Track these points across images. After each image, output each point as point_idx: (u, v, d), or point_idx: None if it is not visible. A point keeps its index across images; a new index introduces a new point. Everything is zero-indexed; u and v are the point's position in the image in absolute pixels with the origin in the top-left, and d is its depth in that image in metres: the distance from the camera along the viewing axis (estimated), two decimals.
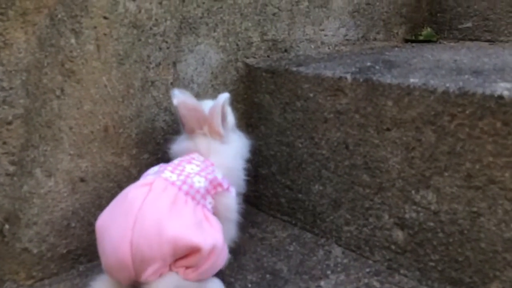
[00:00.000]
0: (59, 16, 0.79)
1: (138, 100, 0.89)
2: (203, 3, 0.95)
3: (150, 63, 0.90)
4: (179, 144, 0.82)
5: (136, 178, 0.91)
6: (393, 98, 0.76)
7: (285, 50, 1.11)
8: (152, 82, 0.90)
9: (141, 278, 0.64)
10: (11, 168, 0.78)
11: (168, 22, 0.91)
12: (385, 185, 0.79)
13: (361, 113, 0.81)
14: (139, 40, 0.87)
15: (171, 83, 0.93)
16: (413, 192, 0.76)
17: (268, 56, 1.08)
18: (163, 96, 0.92)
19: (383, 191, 0.80)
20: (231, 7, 0.99)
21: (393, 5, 1.31)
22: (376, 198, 0.81)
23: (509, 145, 0.64)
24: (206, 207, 0.72)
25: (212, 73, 0.99)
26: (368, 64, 0.92)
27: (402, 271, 0.79)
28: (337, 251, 0.87)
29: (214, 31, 0.98)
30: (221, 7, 0.98)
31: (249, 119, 1.04)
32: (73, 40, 0.81)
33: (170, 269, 0.66)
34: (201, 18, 0.95)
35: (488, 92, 0.65)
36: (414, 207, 0.76)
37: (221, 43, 0.99)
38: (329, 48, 1.18)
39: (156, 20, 0.89)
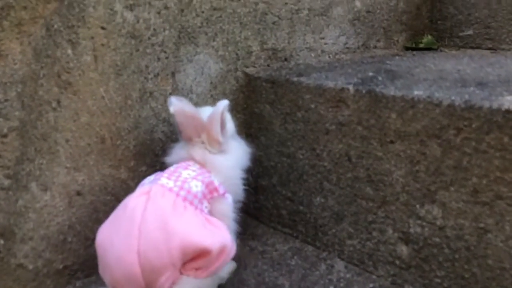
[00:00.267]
0: (55, 26, 0.77)
1: (136, 111, 0.87)
2: (202, 12, 0.93)
3: (149, 73, 0.88)
4: (175, 153, 0.80)
5: (134, 190, 0.89)
6: (397, 111, 0.74)
7: (285, 59, 1.09)
8: (151, 93, 0.89)
9: None
10: (6, 182, 0.76)
11: (167, 32, 0.89)
12: (389, 199, 0.78)
13: (364, 125, 0.80)
14: (137, 50, 0.86)
15: (170, 94, 0.91)
16: (417, 206, 0.74)
17: (268, 65, 1.06)
18: (162, 107, 0.91)
19: (386, 205, 0.78)
20: (230, 16, 0.98)
21: (393, 12, 1.30)
22: (379, 212, 0.80)
23: None
24: (203, 212, 0.71)
25: (211, 83, 0.97)
26: (370, 74, 0.90)
27: (406, 287, 0.77)
28: (339, 265, 0.86)
29: (214, 40, 0.96)
30: (220, 16, 0.96)
31: (249, 129, 1.02)
32: (69, 51, 0.79)
33: (181, 273, 0.65)
34: (200, 27, 0.94)
35: (495, 106, 0.63)
36: (419, 221, 0.74)
37: (220, 53, 0.98)
38: (329, 57, 1.17)
39: (155, 30, 0.87)
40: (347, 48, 1.21)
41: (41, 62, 0.76)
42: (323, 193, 0.89)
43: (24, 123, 0.76)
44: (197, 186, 0.70)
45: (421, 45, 1.31)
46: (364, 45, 1.25)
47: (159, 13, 0.87)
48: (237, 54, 1.01)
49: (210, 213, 0.73)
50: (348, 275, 0.83)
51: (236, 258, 0.81)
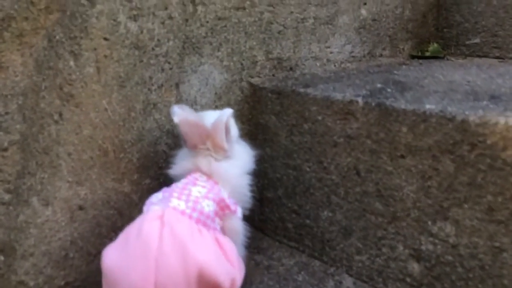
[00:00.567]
0: (58, 37, 0.75)
1: (139, 124, 0.85)
2: (207, 22, 0.92)
3: (152, 84, 0.86)
4: (180, 165, 0.78)
5: (137, 204, 0.87)
6: (407, 125, 0.73)
7: (291, 69, 1.07)
8: (154, 105, 0.87)
9: None
10: (7, 197, 0.74)
11: (171, 42, 0.87)
12: (400, 215, 0.76)
13: (373, 138, 0.78)
14: (141, 61, 0.84)
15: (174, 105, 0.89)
16: (429, 223, 0.72)
17: (273, 75, 1.04)
18: (166, 119, 0.89)
19: (397, 221, 0.76)
20: (235, 25, 0.96)
21: (399, 20, 1.28)
22: (389, 228, 0.78)
23: None
24: (216, 229, 0.70)
25: (216, 93, 0.96)
26: (379, 85, 0.89)
27: None
28: (348, 281, 0.84)
29: (218, 50, 0.94)
30: (225, 26, 0.94)
31: (254, 140, 1.00)
32: (72, 63, 0.77)
33: None
34: (204, 37, 0.92)
35: (511, 122, 0.62)
36: (431, 238, 0.72)
37: (225, 63, 0.96)
38: (335, 66, 1.15)
39: (159, 40, 0.85)
40: (353, 56, 1.20)
41: (43, 74, 0.74)
42: (330, 207, 0.87)
43: (25, 136, 0.74)
44: (209, 206, 0.69)
45: (427, 54, 1.30)
46: (369, 53, 1.23)
47: (163, 23, 0.86)
48: (242, 64, 0.99)
49: (222, 230, 0.72)
50: None
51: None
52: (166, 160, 0.90)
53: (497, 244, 0.66)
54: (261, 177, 0.97)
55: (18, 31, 0.71)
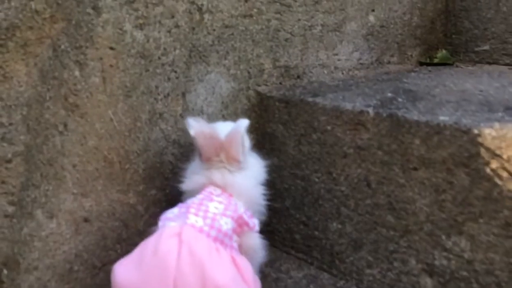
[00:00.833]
0: (63, 47, 0.74)
1: (145, 134, 0.84)
2: (214, 30, 0.90)
3: (158, 94, 0.85)
4: (193, 180, 0.76)
5: (143, 215, 0.86)
6: (420, 136, 0.71)
7: (298, 77, 1.06)
8: (160, 114, 0.85)
9: None
10: (10, 209, 0.72)
11: (177, 51, 0.86)
12: (412, 228, 0.74)
13: (385, 149, 0.76)
14: (147, 70, 0.83)
15: (180, 115, 0.88)
16: (443, 237, 0.70)
17: (280, 83, 1.03)
18: (172, 129, 0.87)
19: (409, 234, 0.75)
20: (242, 33, 0.95)
21: (407, 27, 1.27)
22: (401, 241, 0.76)
23: None
24: (233, 248, 0.69)
25: (222, 102, 0.94)
26: (389, 95, 0.87)
27: None
28: None
29: (225, 58, 0.93)
30: (232, 34, 0.93)
31: (261, 149, 0.98)
32: (77, 72, 0.76)
33: None
34: (211, 45, 0.90)
35: None
36: (445, 253, 0.70)
37: (232, 71, 0.94)
38: (342, 73, 1.14)
39: (165, 49, 0.84)
40: (361, 64, 1.18)
41: (48, 84, 0.73)
42: (340, 219, 0.85)
43: (29, 147, 0.72)
44: (227, 224, 0.68)
45: (436, 60, 1.28)
46: (377, 60, 1.22)
47: (169, 32, 0.84)
48: (249, 73, 0.97)
49: (240, 247, 0.71)
50: None
51: None
52: (173, 170, 0.89)
53: None
54: (268, 187, 0.95)
55: (23, 41, 0.70)
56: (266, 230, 0.99)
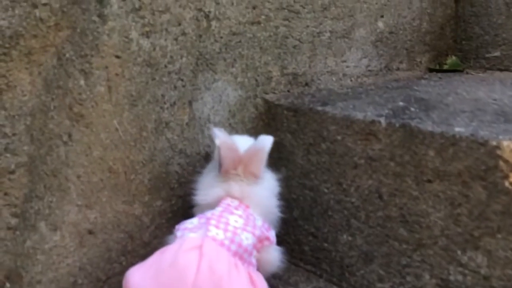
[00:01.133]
0: (67, 55, 0.72)
1: (151, 143, 0.82)
2: (221, 37, 0.88)
3: (165, 103, 0.83)
4: (209, 190, 0.75)
5: (148, 227, 0.84)
6: (435, 148, 0.69)
7: (306, 84, 1.04)
8: (167, 123, 0.84)
9: None
10: (13, 221, 0.71)
11: (184, 59, 0.84)
12: (426, 242, 0.72)
13: (397, 161, 0.74)
14: (153, 79, 0.81)
15: (187, 124, 0.86)
16: (459, 252, 0.68)
17: (288, 91, 1.01)
18: (178, 138, 0.85)
19: (423, 248, 0.72)
20: (250, 40, 0.93)
21: (416, 33, 1.25)
22: (414, 255, 0.74)
23: None
24: (251, 264, 0.68)
25: (229, 111, 0.92)
26: (401, 103, 0.85)
27: None
28: None
29: (232, 66, 0.91)
30: (239, 41, 0.91)
31: (269, 158, 0.96)
32: (82, 82, 0.74)
33: None
34: (218, 53, 0.89)
35: None
36: (461, 269, 0.68)
37: (239, 79, 0.93)
38: (351, 80, 1.12)
39: (171, 57, 0.82)
40: (369, 70, 1.16)
41: (52, 94, 0.72)
42: (350, 230, 0.83)
43: (33, 158, 0.71)
44: (247, 239, 0.67)
45: (446, 67, 1.26)
46: (386, 67, 1.20)
47: (176, 39, 0.82)
48: (256, 80, 0.95)
49: (258, 261, 0.70)
50: None
51: None
52: (179, 181, 0.87)
53: None
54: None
55: (27, 49, 0.69)
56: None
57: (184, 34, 0.83)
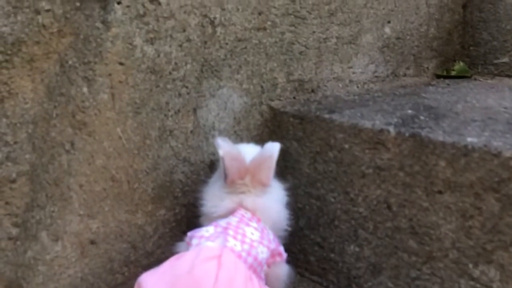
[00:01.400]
0: (70, 62, 0.71)
1: (155, 152, 0.81)
2: (226, 44, 0.87)
3: (169, 110, 0.82)
4: (219, 205, 0.74)
5: (151, 236, 0.83)
6: (446, 158, 0.67)
7: (312, 90, 1.02)
8: (171, 131, 0.82)
9: None
10: (14, 231, 0.69)
11: (189, 66, 0.83)
12: (436, 255, 0.70)
13: (407, 171, 0.72)
14: (157, 86, 0.79)
15: (191, 131, 0.85)
16: (470, 266, 0.66)
17: (294, 98, 0.99)
18: (182, 146, 0.84)
19: (433, 261, 0.71)
20: (255, 47, 0.92)
21: (423, 38, 1.23)
22: (424, 268, 0.72)
23: None
24: (261, 278, 0.67)
25: (234, 118, 0.91)
26: (409, 112, 0.83)
27: None
28: None
29: (238, 73, 0.90)
30: (245, 48, 0.90)
31: (275, 167, 0.95)
32: (85, 89, 0.73)
33: None
34: (224, 60, 0.87)
35: None
36: (472, 283, 0.66)
37: (244, 86, 0.91)
38: (357, 87, 1.10)
39: (176, 64, 0.81)
40: (376, 76, 1.14)
41: (54, 101, 0.70)
42: (357, 241, 0.81)
43: (34, 167, 0.69)
44: (263, 253, 0.66)
45: (454, 73, 1.24)
46: (393, 73, 1.18)
47: (180, 46, 0.81)
48: (262, 87, 0.94)
49: (266, 276, 0.69)
50: None
51: None
52: (183, 189, 0.85)
53: None
54: None
55: (29, 56, 0.67)
56: None
57: (189, 40, 0.82)
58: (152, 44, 0.78)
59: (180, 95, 0.83)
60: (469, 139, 0.65)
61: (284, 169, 0.93)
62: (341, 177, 0.83)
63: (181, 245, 0.73)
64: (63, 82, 0.71)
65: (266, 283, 0.68)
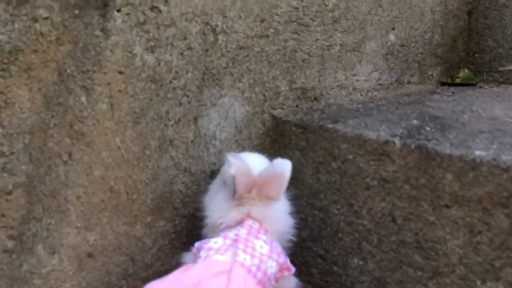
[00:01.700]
0: (68, 71, 0.70)
1: (154, 162, 0.79)
2: (228, 52, 0.85)
3: (169, 120, 0.80)
4: (224, 211, 0.72)
5: (150, 248, 0.81)
6: (453, 172, 0.65)
7: (315, 99, 1.01)
8: (171, 141, 0.81)
9: None
10: (10, 244, 0.68)
11: (190, 74, 0.81)
12: (443, 270, 0.68)
13: (413, 184, 0.71)
14: (158, 95, 0.78)
15: (192, 141, 0.83)
16: (478, 282, 0.65)
17: (296, 106, 0.98)
18: (183, 156, 0.82)
19: (439, 277, 0.69)
20: (258, 55, 0.90)
21: (428, 45, 1.21)
22: (430, 284, 0.70)
23: None
24: None
25: (236, 127, 0.89)
26: (415, 122, 0.82)
27: None
28: None
29: (240, 81, 0.88)
30: (247, 56, 0.88)
31: None
32: (83, 98, 0.71)
33: None
34: (225, 68, 0.86)
35: None
36: None
37: (246, 94, 0.90)
38: (361, 95, 1.09)
39: (177, 72, 0.80)
40: (380, 84, 1.13)
41: (52, 111, 0.69)
42: (361, 254, 0.80)
43: (31, 178, 0.68)
44: (272, 267, 0.65)
45: (458, 80, 1.22)
46: (397, 80, 1.17)
47: (181, 54, 0.80)
48: (264, 96, 0.92)
49: None
50: None
51: None
52: (183, 200, 0.84)
53: None
54: None
55: (26, 65, 0.66)
56: None
57: (190, 48, 0.80)
58: (152, 52, 0.76)
59: (180, 104, 0.81)
60: (477, 153, 0.64)
61: None
62: (345, 188, 0.81)
63: (187, 255, 0.72)
64: (61, 91, 0.70)
65: None
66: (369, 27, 1.07)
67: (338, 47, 1.03)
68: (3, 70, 0.64)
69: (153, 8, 0.75)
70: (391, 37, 1.13)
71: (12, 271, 0.68)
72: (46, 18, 0.67)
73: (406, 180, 0.72)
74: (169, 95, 0.79)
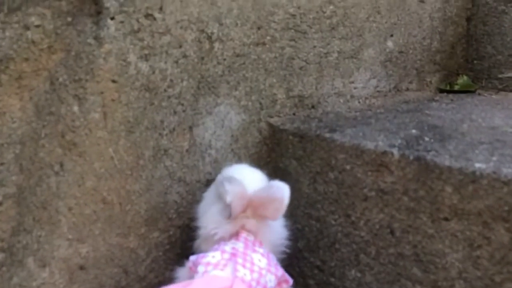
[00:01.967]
0: (61, 80, 0.68)
1: (148, 172, 0.78)
2: (224, 59, 0.84)
3: (164, 129, 0.79)
4: (220, 223, 0.71)
5: (144, 260, 0.80)
6: (453, 184, 0.64)
7: (312, 106, 0.99)
8: (165, 151, 0.79)
9: None
10: (0, 257, 0.66)
11: (185, 83, 0.80)
12: (442, 284, 0.67)
13: (411, 195, 0.70)
14: (152, 104, 0.77)
15: (187, 150, 0.82)
16: None
17: (293, 114, 0.96)
18: (177, 165, 0.81)
19: None
20: (254, 62, 0.89)
21: (426, 52, 1.20)
22: None
23: None
24: None
25: (232, 136, 0.88)
26: (414, 131, 0.80)
27: None
28: None
29: (236, 89, 0.87)
30: (243, 63, 0.87)
31: None
32: (76, 108, 0.70)
33: None
34: (221, 76, 0.84)
35: None
36: None
37: (242, 103, 0.88)
38: (359, 102, 1.07)
39: (171, 81, 0.78)
40: (378, 91, 1.12)
41: (43, 120, 0.67)
42: (359, 266, 0.78)
43: (22, 189, 0.66)
44: (271, 281, 0.65)
45: (457, 87, 1.21)
46: (395, 87, 1.15)
47: (176, 62, 0.78)
48: (260, 104, 0.91)
49: None
50: None
51: None
52: (177, 210, 0.82)
53: None
54: None
55: (17, 73, 0.65)
56: None
57: (185, 56, 0.79)
58: (146, 60, 0.75)
59: (175, 113, 0.80)
60: (477, 165, 0.62)
61: None
62: (342, 199, 0.80)
63: (181, 270, 0.70)
64: (52, 100, 0.68)
65: None
66: (367, 34, 1.06)
67: (335, 54, 1.01)
68: None
69: (147, 15, 0.74)
70: (389, 44, 1.12)
71: (2, 284, 0.67)
72: (38, 26, 0.65)
73: (405, 191, 0.70)
74: (163, 104, 0.78)
